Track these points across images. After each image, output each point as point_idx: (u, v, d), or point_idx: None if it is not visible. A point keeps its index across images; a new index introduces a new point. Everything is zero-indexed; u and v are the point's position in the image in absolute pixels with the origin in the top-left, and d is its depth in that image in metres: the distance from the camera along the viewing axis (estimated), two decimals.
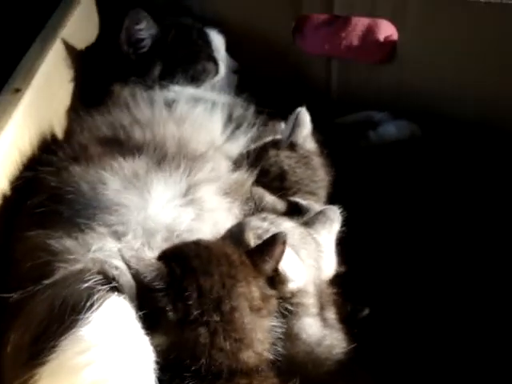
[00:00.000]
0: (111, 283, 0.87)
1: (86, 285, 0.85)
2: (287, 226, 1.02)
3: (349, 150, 1.30)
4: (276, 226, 1.00)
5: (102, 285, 0.86)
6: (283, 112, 1.28)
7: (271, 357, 0.89)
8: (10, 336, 0.87)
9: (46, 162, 1.09)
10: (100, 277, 0.87)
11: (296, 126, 1.21)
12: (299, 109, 1.20)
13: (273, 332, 0.90)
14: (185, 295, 0.85)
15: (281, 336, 0.91)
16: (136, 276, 0.86)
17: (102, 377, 0.80)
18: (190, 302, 0.84)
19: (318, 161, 1.22)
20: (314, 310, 0.96)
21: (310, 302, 0.96)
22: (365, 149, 1.33)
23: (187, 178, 1.05)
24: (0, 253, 1.03)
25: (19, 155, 1.11)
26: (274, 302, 0.91)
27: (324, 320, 0.97)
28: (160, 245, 0.97)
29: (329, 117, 1.43)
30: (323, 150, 1.24)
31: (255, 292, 0.89)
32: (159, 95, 1.26)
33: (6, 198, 1.07)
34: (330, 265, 1.06)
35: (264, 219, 1.02)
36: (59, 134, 1.24)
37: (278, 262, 0.91)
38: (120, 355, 0.82)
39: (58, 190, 1.03)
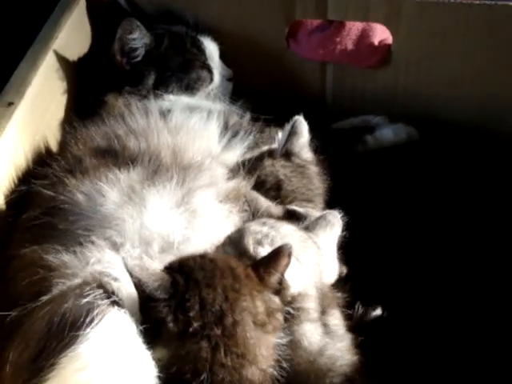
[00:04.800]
0: (111, 297, 0.86)
1: (86, 300, 0.84)
2: (287, 229, 1.01)
3: (346, 155, 1.29)
4: (276, 231, 0.99)
5: (102, 299, 0.85)
6: (279, 118, 1.27)
7: (276, 373, 0.87)
8: (8, 355, 0.86)
9: (41, 175, 1.08)
10: (100, 291, 0.86)
11: (292, 134, 1.19)
12: (296, 117, 1.19)
13: (278, 348, 0.89)
14: (186, 306, 0.84)
15: (286, 352, 0.89)
16: (138, 285, 0.85)
17: None
18: (191, 314, 0.83)
19: (314, 170, 1.21)
20: (315, 314, 0.95)
21: (311, 306, 0.95)
22: (362, 154, 1.32)
23: (181, 188, 1.04)
24: None
25: (14, 169, 1.11)
26: (279, 316, 0.90)
27: (325, 325, 0.95)
28: (157, 255, 0.97)
29: (324, 122, 1.42)
30: (320, 157, 1.23)
31: (260, 307, 0.87)
32: (154, 105, 1.25)
33: (0, 213, 1.05)
34: (331, 268, 1.05)
35: (264, 224, 1.01)
36: (53, 146, 1.24)
37: (283, 274, 0.90)
38: (120, 372, 0.81)
39: (53, 203, 1.01)
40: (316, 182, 1.20)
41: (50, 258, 0.93)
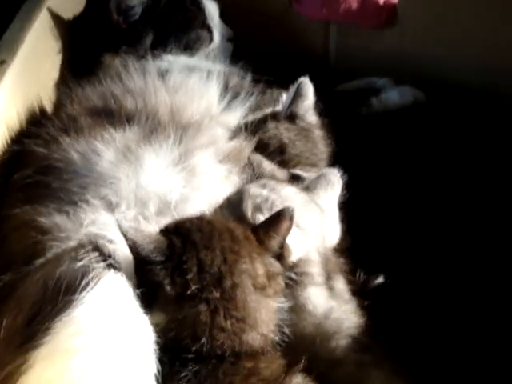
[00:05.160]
0: (107, 260, 0.83)
1: (81, 263, 0.81)
2: (288, 192, 0.98)
3: (351, 118, 1.25)
4: (276, 193, 0.96)
5: (98, 262, 0.82)
6: (281, 80, 1.24)
7: (277, 338, 0.85)
8: (1, 319, 0.83)
9: (34, 134, 1.04)
10: (95, 254, 0.82)
11: (297, 96, 1.16)
12: (301, 79, 1.16)
13: (279, 313, 0.86)
14: (184, 269, 0.81)
15: (287, 317, 0.86)
16: (133, 248, 0.82)
17: (98, 360, 0.75)
18: (189, 277, 0.80)
19: (318, 134, 1.18)
20: (319, 278, 0.92)
21: (315, 270, 0.92)
22: (368, 116, 1.28)
23: (179, 147, 1.00)
24: None
25: (6, 129, 1.06)
26: (280, 280, 0.87)
27: (331, 289, 0.93)
28: (153, 217, 0.93)
29: (327, 84, 1.37)
30: (324, 121, 1.19)
31: (259, 269, 0.84)
32: (152, 65, 1.21)
33: None
34: (334, 231, 1.02)
35: (264, 186, 0.98)
36: (48, 106, 1.20)
37: (284, 238, 0.87)
38: (117, 337, 0.77)
39: (47, 161, 0.98)
40: (321, 146, 1.17)
41: (43, 220, 0.90)
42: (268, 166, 1.08)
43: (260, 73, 1.28)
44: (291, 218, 0.86)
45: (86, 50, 1.27)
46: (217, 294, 0.80)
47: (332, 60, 1.45)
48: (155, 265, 0.81)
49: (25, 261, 0.87)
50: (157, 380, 0.78)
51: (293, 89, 1.17)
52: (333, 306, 0.91)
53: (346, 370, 0.86)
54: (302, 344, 0.87)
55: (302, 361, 0.81)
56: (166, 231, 0.86)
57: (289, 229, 0.86)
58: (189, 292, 0.80)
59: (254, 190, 0.97)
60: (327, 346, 0.87)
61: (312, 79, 1.18)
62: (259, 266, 0.84)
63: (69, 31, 1.27)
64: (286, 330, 0.85)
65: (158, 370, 0.78)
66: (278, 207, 0.92)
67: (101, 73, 1.20)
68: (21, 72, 1.10)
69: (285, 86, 1.20)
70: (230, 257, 0.83)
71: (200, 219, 0.87)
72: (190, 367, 0.78)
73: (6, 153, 1.04)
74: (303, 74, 1.17)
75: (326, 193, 1.02)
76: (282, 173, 1.08)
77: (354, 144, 1.17)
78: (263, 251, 0.86)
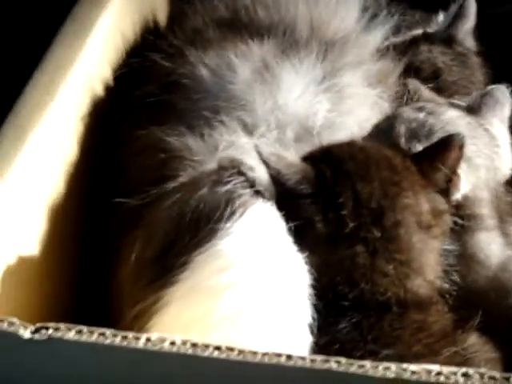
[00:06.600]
0: (254, 186, 0.71)
1: (225, 188, 0.69)
2: (450, 115, 0.85)
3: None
4: (435, 118, 0.84)
5: (244, 188, 0.70)
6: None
7: (445, 287, 0.73)
8: (126, 251, 0.72)
9: (155, 46, 0.91)
10: (241, 178, 0.71)
11: (458, 17, 1.02)
12: None
13: (446, 256, 0.74)
14: (338, 203, 0.70)
15: (454, 261, 0.75)
16: (276, 177, 0.71)
17: (248, 302, 0.64)
18: (345, 212, 0.70)
19: (476, 60, 1.04)
20: (490, 221, 0.79)
21: (484, 212, 0.79)
22: None
23: (322, 64, 0.86)
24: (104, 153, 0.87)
25: (122, 40, 0.93)
26: (447, 219, 0.75)
27: (506, 235, 0.79)
28: (292, 143, 0.80)
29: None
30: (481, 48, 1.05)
31: (424, 205, 0.73)
32: None
33: (109, 89, 0.90)
34: (507, 161, 0.88)
35: (420, 109, 0.85)
36: (162, 21, 1.06)
37: (453, 171, 0.75)
38: (270, 276, 0.66)
39: (172, 77, 0.85)
40: (478, 74, 1.03)
41: (173, 141, 0.77)
42: (427, 92, 0.94)
43: None
44: (461, 147, 0.74)
45: None
46: (377, 233, 0.69)
47: None
48: (303, 198, 0.70)
49: (153, 185, 0.75)
50: (311, 331, 0.66)
51: (454, 8, 1.03)
52: (510, 256, 0.78)
53: None
54: (472, 299, 0.74)
55: (477, 317, 0.70)
56: (312, 159, 0.74)
57: (458, 159, 0.74)
58: (345, 230, 0.69)
59: (409, 113, 0.84)
60: (505, 304, 0.75)
61: None
62: (424, 202, 0.73)
63: None
64: (456, 278, 0.74)
65: (314, 319, 0.66)
66: (437, 134, 0.81)
67: None
68: None
69: (429, 7, 1.07)
70: (390, 189, 0.72)
71: (351, 145, 0.76)
72: (348, 317, 0.68)
73: (123, 66, 0.92)
74: None
75: (494, 116, 0.88)
76: (442, 100, 0.94)
77: None
78: (427, 185, 0.74)
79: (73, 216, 0.82)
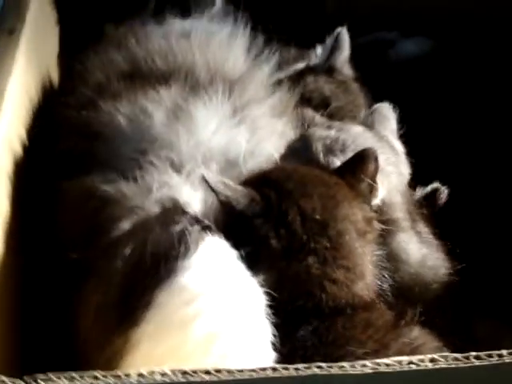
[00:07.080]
0: (200, 222, 0.75)
1: (175, 228, 0.73)
2: (356, 130, 0.93)
3: (378, 68, 1.20)
4: (345, 133, 0.91)
5: (192, 225, 0.74)
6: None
7: (381, 286, 0.81)
8: (85, 301, 0.74)
9: (64, 103, 0.93)
10: (187, 216, 0.75)
11: (335, 49, 1.12)
12: (339, 29, 1.12)
13: (377, 259, 0.82)
14: (287, 220, 0.75)
15: (384, 263, 0.82)
16: (226, 203, 0.75)
17: (216, 329, 0.68)
18: (295, 227, 0.75)
19: (355, 86, 1.14)
20: (405, 223, 0.88)
21: (400, 215, 0.88)
22: (396, 64, 1.23)
23: (230, 100, 0.91)
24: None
25: (28, 100, 0.95)
26: (376, 225, 0.82)
27: (418, 233, 0.89)
28: (216, 174, 0.83)
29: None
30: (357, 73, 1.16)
31: (358, 214, 0.80)
32: (168, 26, 1.11)
33: (26, 148, 0.91)
34: (405, 167, 0.98)
35: (329, 127, 0.93)
36: (58, 79, 1.09)
37: (374, 180, 0.82)
38: (231, 302, 0.70)
39: (90, 128, 0.87)
40: (360, 98, 1.13)
41: (105, 188, 0.80)
42: (320, 119, 1.02)
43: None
44: (376, 159, 0.81)
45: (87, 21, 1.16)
46: (326, 243, 0.75)
47: (329, 9, 1.35)
48: (255, 218, 0.75)
49: (94, 235, 0.77)
50: (274, 345, 0.71)
51: (330, 41, 1.13)
52: (426, 254, 0.87)
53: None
54: (403, 295, 0.82)
55: (414, 311, 0.77)
56: (250, 183, 0.79)
57: (376, 169, 0.82)
58: (296, 244, 0.74)
59: (321, 131, 0.92)
60: (426, 296, 0.84)
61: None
62: (357, 211, 0.80)
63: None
64: (388, 277, 0.81)
65: (274, 335, 0.71)
66: (350, 147, 0.88)
67: (106, 42, 1.09)
68: (31, 41, 0.98)
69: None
70: (329, 203, 0.78)
71: (283, 169, 0.82)
72: (307, 325, 0.72)
73: (35, 126, 0.93)
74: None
75: (385, 128, 0.97)
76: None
77: (388, 93, 1.12)
78: (356, 195, 0.81)
79: (9, 271, 0.80)
